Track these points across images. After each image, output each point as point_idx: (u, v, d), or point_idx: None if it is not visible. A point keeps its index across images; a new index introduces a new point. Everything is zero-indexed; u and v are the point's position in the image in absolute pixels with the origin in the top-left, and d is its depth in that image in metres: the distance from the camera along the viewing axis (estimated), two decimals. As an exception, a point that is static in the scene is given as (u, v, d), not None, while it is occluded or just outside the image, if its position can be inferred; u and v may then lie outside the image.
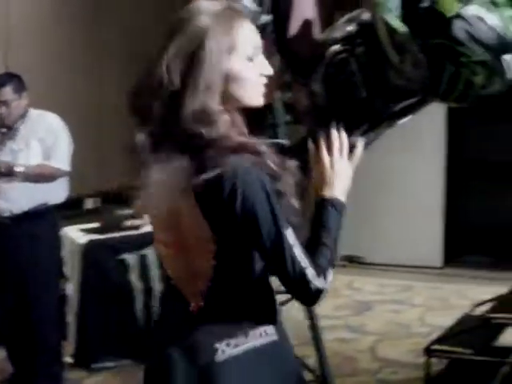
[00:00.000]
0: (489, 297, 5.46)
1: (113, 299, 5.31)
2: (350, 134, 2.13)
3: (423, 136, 8.20)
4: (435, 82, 2.09)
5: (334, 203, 2.09)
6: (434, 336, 5.14)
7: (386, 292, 7.50)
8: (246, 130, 2.03)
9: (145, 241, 5.37)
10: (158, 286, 5.37)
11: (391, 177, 8.40)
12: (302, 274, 1.92)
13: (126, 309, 5.33)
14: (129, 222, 5.48)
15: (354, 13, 2.34)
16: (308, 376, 4.70)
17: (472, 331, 4.94)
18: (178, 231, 1.99)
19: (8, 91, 4.72)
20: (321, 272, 1.95)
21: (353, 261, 8.64)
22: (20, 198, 4.71)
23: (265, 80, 2.03)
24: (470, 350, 4.74)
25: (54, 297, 4.94)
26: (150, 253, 5.30)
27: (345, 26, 2.30)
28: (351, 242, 8.55)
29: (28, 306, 4.80)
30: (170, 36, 1.96)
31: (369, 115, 2.19)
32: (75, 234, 5.51)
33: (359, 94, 2.20)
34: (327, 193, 2.10)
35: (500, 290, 5.61)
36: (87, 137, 6.84)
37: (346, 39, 2.28)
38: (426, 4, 2.04)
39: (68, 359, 5.39)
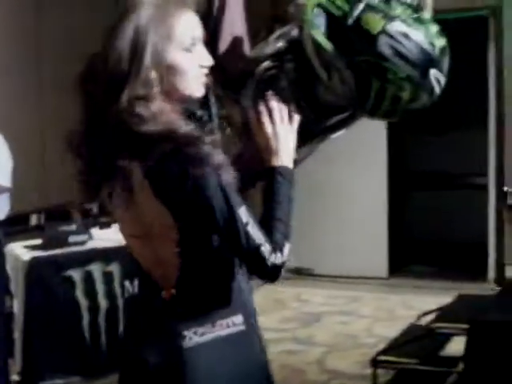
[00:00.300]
0: (434, 307, 5.53)
1: (59, 316, 5.25)
2: None
3: (366, 149, 8.31)
4: (363, 98, 2.12)
5: (283, 172, 2.13)
6: (381, 347, 5.18)
7: (334, 303, 7.55)
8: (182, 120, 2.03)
9: (89, 257, 5.35)
10: (104, 303, 5.35)
11: (336, 189, 8.48)
12: (258, 252, 1.95)
13: (72, 325, 5.28)
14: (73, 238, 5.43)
15: (285, 28, 2.36)
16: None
17: (418, 341, 4.99)
18: (141, 221, 2.02)
19: None
20: (277, 248, 1.98)
21: (301, 273, 8.67)
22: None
23: (205, 71, 2.07)
24: (416, 360, 4.78)
25: None
26: (95, 269, 5.28)
27: (275, 43, 2.32)
28: (299, 254, 8.59)
29: None
30: (114, 26, 2.00)
31: (300, 131, 2.21)
32: (19, 251, 5.44)
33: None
34: (274, 162, 2.14)
35: (445, 299, 5.70)
36: (28, 151, 6.70)
37: (276, 55, 2.29)
38: (351, 21, 2.08)
39: (15, 377, 5.33)
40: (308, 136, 2.32)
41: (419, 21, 2.10)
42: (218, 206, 1.93)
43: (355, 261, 8.36)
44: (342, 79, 2.11)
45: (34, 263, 5.22)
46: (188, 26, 2.03)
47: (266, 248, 1.96)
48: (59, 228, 5.47)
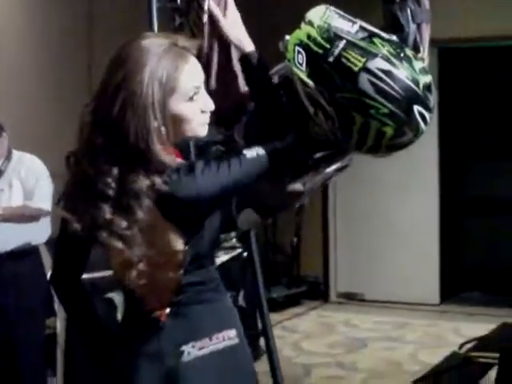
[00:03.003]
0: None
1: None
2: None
3: (418, 175, 8.27)
4: (347, 133, 2.15)
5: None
6: (422, 374, 5.14)
7: (382, 329, 7.50)
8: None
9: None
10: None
11: (388, 215, 8.46)
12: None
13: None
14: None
15: (280, 65, 2.41)
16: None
17: (455, 370, 4.94)
18: (149, 247, 2.06)
19: None
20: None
21: (352, 298, 8.65)
22: (3, 238, 4.79)
23: (207, 115, 2.14)
24: (453, 390, 4.74)
25: (38, 334, 4.99)
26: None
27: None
28: (350, 280, 8.61)
29: (13, 346, 4.85)
30: (113, 71, 2.04)
31: (295, 163, 2.26)
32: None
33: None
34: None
35: (495, 327, 5.60)
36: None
37: (271, 90, 2.35)
38: (332, 59, 2.11)
39: (56, 395, 5.44)
40: (303, 169, 2.35)
41: (403, 58, 2.12)
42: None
43: (407, 287, 8.30)
44: (326, 115, 2.15)
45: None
46: (191, 76, 2.09)
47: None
48: (101, 251, 5.54)
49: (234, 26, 2.53)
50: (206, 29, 2.49)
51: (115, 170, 2.01)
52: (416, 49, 2.44)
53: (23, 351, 4.86)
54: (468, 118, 8.77)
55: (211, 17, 2.54)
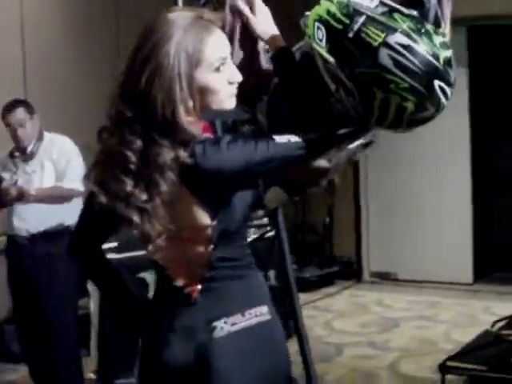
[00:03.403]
0: (518, 314, 5.44)
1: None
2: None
3: (449, 153, 8.23)
4: (368, 109, 2.15)
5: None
6: (454, 352, 5.14)
7: (415, 308, 7.49)
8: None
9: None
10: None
11: (420, 194, 8.43)
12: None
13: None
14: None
15: (302, 42, 2.42)
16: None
17: (488, 348, 4.93)
18: (173, 221, 2.08)
19: (21, 111, 4.91)
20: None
21: (385, 278, 8.65)
22: (36, 219, 4.87)
23: (235, 86, 2.15)
24: (484, 367, 4.73)
25: (71, 315, 5.05)
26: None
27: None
28: (384, 259, 8.61)
29: (47, 324, 4.93)
30: (141, 44, 2.07)
31: (316, 141, 2.26)
32: (98, 252, 5.61)
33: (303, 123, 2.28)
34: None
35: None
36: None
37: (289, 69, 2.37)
38: (351, 34, 2.11)
39: (91, 375, 5.50)
40: (325, 146, 2.36)
41: (423, 32, 2.12)
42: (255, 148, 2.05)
43: (440, 266, 8.29)
44: (347, 91, 2.15)
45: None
46: (216, 47, 2.10)
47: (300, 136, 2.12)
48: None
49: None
50: (227, 5, 2.50)
51: (139, 143, 2.03)
52: (437, 24, 2.42)
53: (58, 329, 4.93)
54: (499, 96, 8.69)
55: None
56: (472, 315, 7.12)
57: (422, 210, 8.44)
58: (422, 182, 8.41)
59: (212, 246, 2.13)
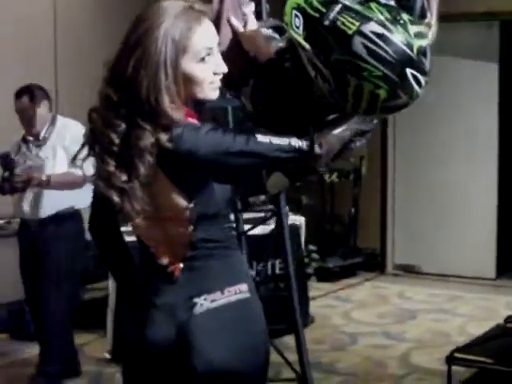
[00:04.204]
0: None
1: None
2: None
3: (476, 148, 8.21)
4: (343, 96, 2.20)
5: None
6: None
7: (434, 301, 7.52)
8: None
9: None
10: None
11: (446, 188, 8.44)
12: (295, 148, 2.19)
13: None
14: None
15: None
16: (289, 373, 4.86)
17: (496, 340, 4.95)
18: (153, 204, 2.18)
19: (25, 99, 5.01)
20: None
21: (408, 270, 8.67)
22: (48, 204, 5.02)
23: (218, 77, 2.23)
24: (491, 360, 4.74)
25: (63, 295, 5.09)
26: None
27: (278, 42, 2.45)
28: (408, 252, 8.62)
29: (39, 298, 5.08)
30: (132, 30, 2.16)
31: (300, 126, 2.32)
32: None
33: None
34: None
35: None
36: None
37: (277, 54, 2.43)
38: (327, 22, 2.16)
39: (106, 355, 5.63)
40: (308, 131, 2.42)
41: (398, 22, 2.17)
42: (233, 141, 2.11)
43: (463, 260, 8.29)
44: (323, 77, 2.21)
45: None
46: (204, 37, 2.19)
47: (295, 141, 2.18)
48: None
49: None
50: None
51: (123, 126, 2.12)
52: (423, 15, 2.47)
53: (47, 305, 5.04)
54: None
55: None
56: (492, 309, 7.12)
57: (448, 205, 8.44)
58: (448, 178, 8.40)
59: (192, 227, 2.20)
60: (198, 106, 2.28)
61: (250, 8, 2.81)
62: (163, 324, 2.24)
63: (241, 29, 2.57)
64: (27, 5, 6.64)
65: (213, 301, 2.21)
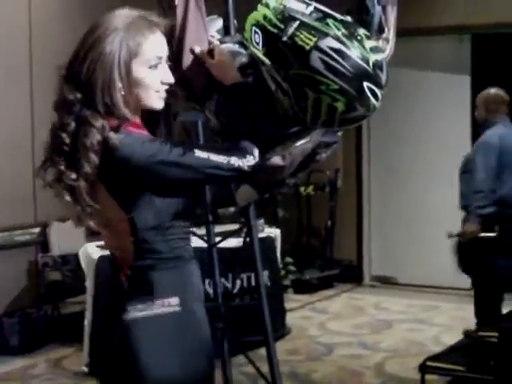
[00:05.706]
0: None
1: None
2: None
3: (450, 162, 8.28)
4: (302, 109, 2.28)
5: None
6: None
7: (410, 312, 7.61)
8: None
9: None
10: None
11: (422, 201, 8.56)
12: (234, 167, 2.28)
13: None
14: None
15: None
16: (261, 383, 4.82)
17: (468, 349, 5.03)
18: (102, 215, 2.27)
19: None
20: (245, 153, 2.32)
21: (385, 281, 8.76)
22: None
23: (165, 87, 2.32)
24: (463, 368, 4.82)
25: None
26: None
27: (242, 58, 2.53)
28: (384, 263, 8.70)
29: None
30: (88, 32, 2.27)
31: (263, 139, 2.40)
32: (92, 250, 5.78)
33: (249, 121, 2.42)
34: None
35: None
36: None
37: (240, 69, 2.50)
38: (285, 38, 2.24)
39: (84, 368, 5.66)
40: (270, 144, 2.49)
41: (354, 37, 2.25)
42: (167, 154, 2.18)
43: (439, 271, 8.35)
44: (283, 91, 2.29)
45: (100, 261, 5.53)
46: (155, 45, 2.29)
47: (235, 160, 2.27)
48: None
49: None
50: (179, 10, 2.63)
51: (73, 124, 2.20)
52: (381, 30, 2.56)
53: None
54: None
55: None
56: (467, 319, 7.16)
57: (424, 215, 8.53)
58: (423, 188, 8.49)
59: (132, 239, 2.27)
60: (149, 120, 2.36)
61: (217, 26, 2.89)
62: (111, 329, 2.32)
63: (206, 58, 2.61)
64: (2, 21, 6.67)
65: (141, 310, 2.27)
